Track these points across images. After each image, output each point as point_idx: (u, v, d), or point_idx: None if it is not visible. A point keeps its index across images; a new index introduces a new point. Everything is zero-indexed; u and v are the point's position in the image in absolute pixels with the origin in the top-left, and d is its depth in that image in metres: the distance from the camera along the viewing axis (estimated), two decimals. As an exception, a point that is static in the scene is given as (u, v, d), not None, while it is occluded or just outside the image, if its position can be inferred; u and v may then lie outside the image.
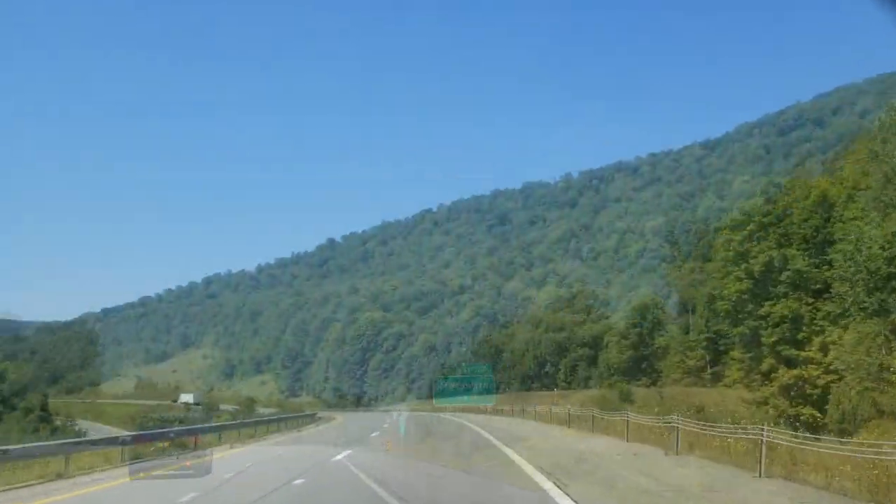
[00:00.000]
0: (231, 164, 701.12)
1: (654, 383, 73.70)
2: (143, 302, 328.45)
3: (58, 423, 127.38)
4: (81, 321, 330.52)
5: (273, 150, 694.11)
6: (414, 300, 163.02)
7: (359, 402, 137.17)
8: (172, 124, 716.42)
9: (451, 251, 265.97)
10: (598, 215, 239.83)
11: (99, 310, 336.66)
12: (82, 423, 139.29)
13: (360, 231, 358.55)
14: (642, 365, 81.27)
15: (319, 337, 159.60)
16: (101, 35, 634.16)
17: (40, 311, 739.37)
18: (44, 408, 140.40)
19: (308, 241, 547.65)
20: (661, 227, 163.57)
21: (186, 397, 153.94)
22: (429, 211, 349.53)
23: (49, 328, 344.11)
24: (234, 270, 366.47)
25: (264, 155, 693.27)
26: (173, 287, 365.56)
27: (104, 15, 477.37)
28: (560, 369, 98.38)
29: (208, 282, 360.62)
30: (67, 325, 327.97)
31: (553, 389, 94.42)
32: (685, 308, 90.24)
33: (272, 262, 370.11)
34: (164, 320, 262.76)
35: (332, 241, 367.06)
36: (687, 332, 76.82)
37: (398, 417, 56.42)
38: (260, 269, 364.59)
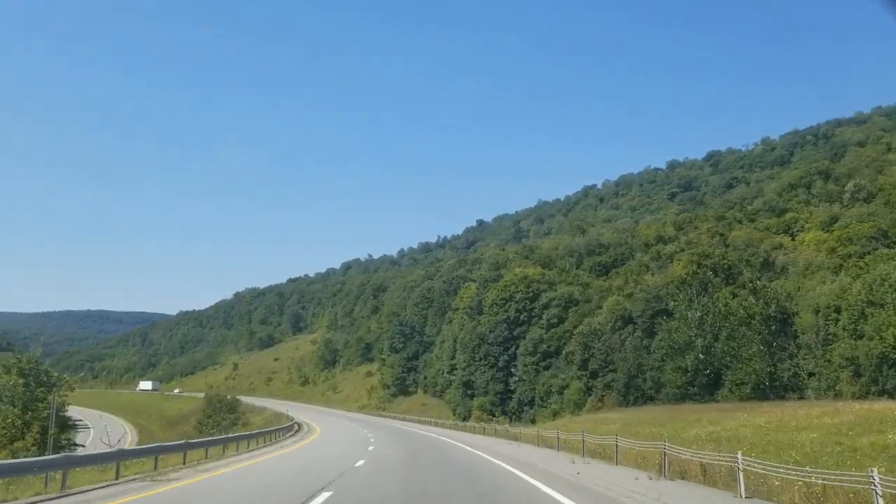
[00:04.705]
0: (387, 154, 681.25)
1: None
2: (274, 286, 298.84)
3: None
4: (215, 308, 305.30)
5: (433, 145, 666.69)
6: (587, 255, 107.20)
7: (503, 407, 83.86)
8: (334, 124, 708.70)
9: (626, 222, 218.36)
10: (840, 162, 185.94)
11: (231, 295, 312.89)
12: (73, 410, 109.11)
13: (513, 212, 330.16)
14: None
15: (446, 304, 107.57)
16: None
17: (196, 303, 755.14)
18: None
19: (458, 228, 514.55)
20: None
21: (145, 385, 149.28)
22: (592, 187, 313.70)
23: (176, 318, 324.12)
24: (375, 256, 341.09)
25: (425, 147, 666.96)
26: (312, 274, 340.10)
27: None
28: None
29: (347, 266, 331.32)
30: (193, 314, 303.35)
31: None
32: None
33: (415, 246, 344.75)
34: (279, 300, 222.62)
35: (481, 223, 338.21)
36: None
37: None
38: (402, 254, 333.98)
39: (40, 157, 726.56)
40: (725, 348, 56.11)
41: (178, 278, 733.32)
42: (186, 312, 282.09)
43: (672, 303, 68.11)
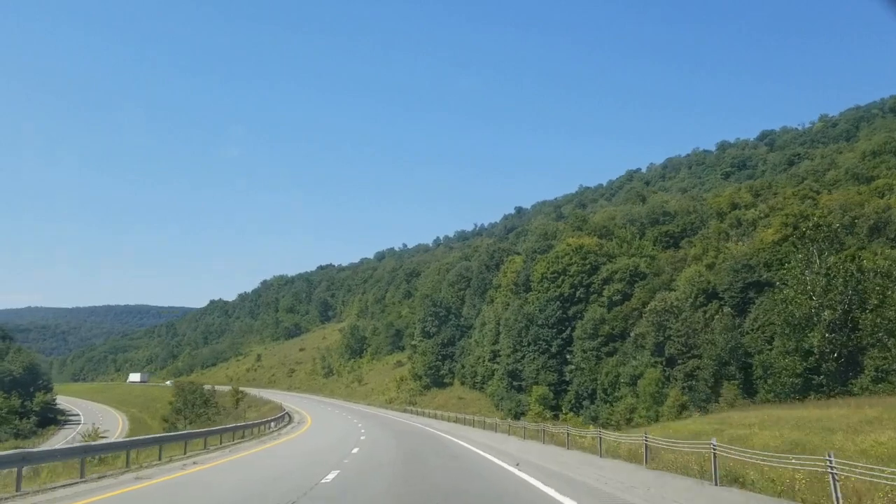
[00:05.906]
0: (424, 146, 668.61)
1: None
2: (302, 274, 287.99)
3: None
4: (241, 297, 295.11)
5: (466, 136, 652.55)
6: (650, 224, 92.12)
7: (557, 401, 69.36)
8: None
9: (679, 202, 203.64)
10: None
11: (259, 283, 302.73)
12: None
13: (552, 199, 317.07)
14: None
15: (486, 282, 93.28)
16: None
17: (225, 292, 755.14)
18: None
19: (496, 217, 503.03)
20: None
21: (134, 377, 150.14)
22: (637, 171, 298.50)
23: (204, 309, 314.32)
24: (409, 245, 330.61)
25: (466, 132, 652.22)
26: (344, 263, 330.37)
27: None
28: None
29: (380, 256, 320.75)
30: (219, 304, 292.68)
31: None
32: None
33: (451, 234, 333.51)
34: (307, 287, 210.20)
35: (520, 210, 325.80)
36: None
37: None
38: (437, 242, 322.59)
39: (66, 147, 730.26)
40: (878, 321, 40.77)
41: (220, 273, 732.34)
42: (213, 302, 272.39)
43: (786, 266, 52.75)
